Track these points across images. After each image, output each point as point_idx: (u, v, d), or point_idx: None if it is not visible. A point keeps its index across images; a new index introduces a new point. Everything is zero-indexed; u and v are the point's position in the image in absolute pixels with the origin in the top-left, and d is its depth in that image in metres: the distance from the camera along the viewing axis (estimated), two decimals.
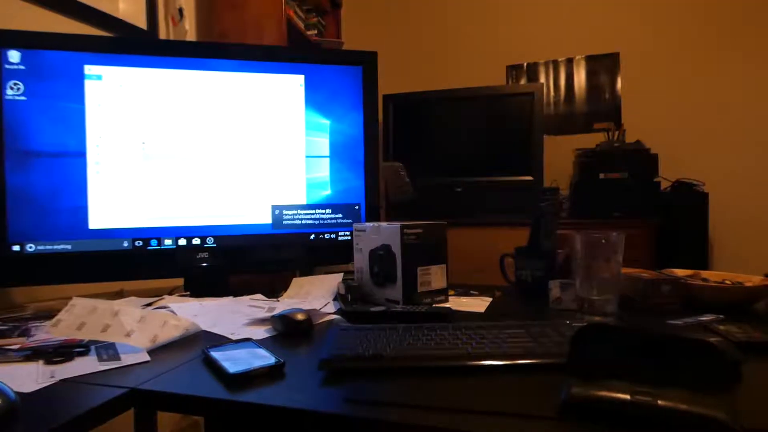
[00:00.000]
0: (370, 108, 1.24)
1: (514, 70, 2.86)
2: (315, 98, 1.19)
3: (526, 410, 0.47)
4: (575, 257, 0.81)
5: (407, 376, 0.56)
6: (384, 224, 0.95)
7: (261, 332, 0.76)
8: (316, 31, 2.50)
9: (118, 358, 0.63)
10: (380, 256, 0.95)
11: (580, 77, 2.74)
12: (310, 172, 1.19)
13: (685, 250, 2.21)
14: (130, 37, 1.56)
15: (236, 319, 0.84)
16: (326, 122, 1.20)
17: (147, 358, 0.64)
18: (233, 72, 1.13)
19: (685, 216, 2.23)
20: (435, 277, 0.95)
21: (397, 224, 0.92)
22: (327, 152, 1.20)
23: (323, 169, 1.20)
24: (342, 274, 1.06)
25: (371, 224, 0.98)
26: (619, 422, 0.43)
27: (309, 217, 1.19)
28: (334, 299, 0.98)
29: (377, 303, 0.95)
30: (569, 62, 2.75)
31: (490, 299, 0.97)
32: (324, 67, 1.20)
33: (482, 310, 0.89)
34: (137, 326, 0.68)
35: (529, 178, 2.34)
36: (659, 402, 0.41)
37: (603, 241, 0.78)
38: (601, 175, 2.25)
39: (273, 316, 0.78)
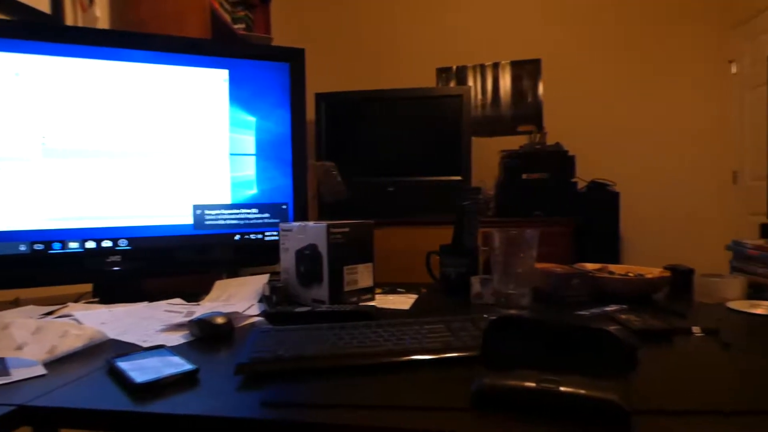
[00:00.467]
0: (298, 106, 1.21)
1: (443, 73, 2.93)
2: (240, 94, 1.15)
3: (442, 403, 0.48)
4: (494, 253, 0.84)
5: (328, 376, 0.56)
6: (310, 224, 0.94)
7: (177, 338, 0.72)
8: (243, 25, 2.43)
9: (7, 374, 0.57)
10: (306, 255, 0.93)
11: (506, 81, 2.87)
12: (235, 171, 1.15)
13: (598, 246, 2.38)
14: (27, 21, 1.43)
15: (149, 326, 0.79)
16: (252, 119, 1.16)
17: (42, 371, 0.58)
18: (150, 63, 1.07)
19: (599, 214, 2.41)
20: (361, 276, 0.95)
21: (323, 223, 0.91)
22: (253, 150, 1.16)
23: (249, 168, 1.16)
24: (268, 275, 1.04)
25: (298, 224, 0.96)
26: (526, 409, 0.45)
27: (234, 217, 1.14)
28: (260, 301, 0.95)
29: (303, 304, 0.93)
30: (495, 67, 2.87)
31: (416, 296, 0.99)
32: (250, 62, 1.16)
33: (407, 307, 0.90)
34: (31, 338, 0.62)
35: (458, 178, 2.41)
36: (561, 388, 0.44)
37: (518, 237, 0.82)
38: (524, 176, 2.36)
39: (190, 321, 0.74)
